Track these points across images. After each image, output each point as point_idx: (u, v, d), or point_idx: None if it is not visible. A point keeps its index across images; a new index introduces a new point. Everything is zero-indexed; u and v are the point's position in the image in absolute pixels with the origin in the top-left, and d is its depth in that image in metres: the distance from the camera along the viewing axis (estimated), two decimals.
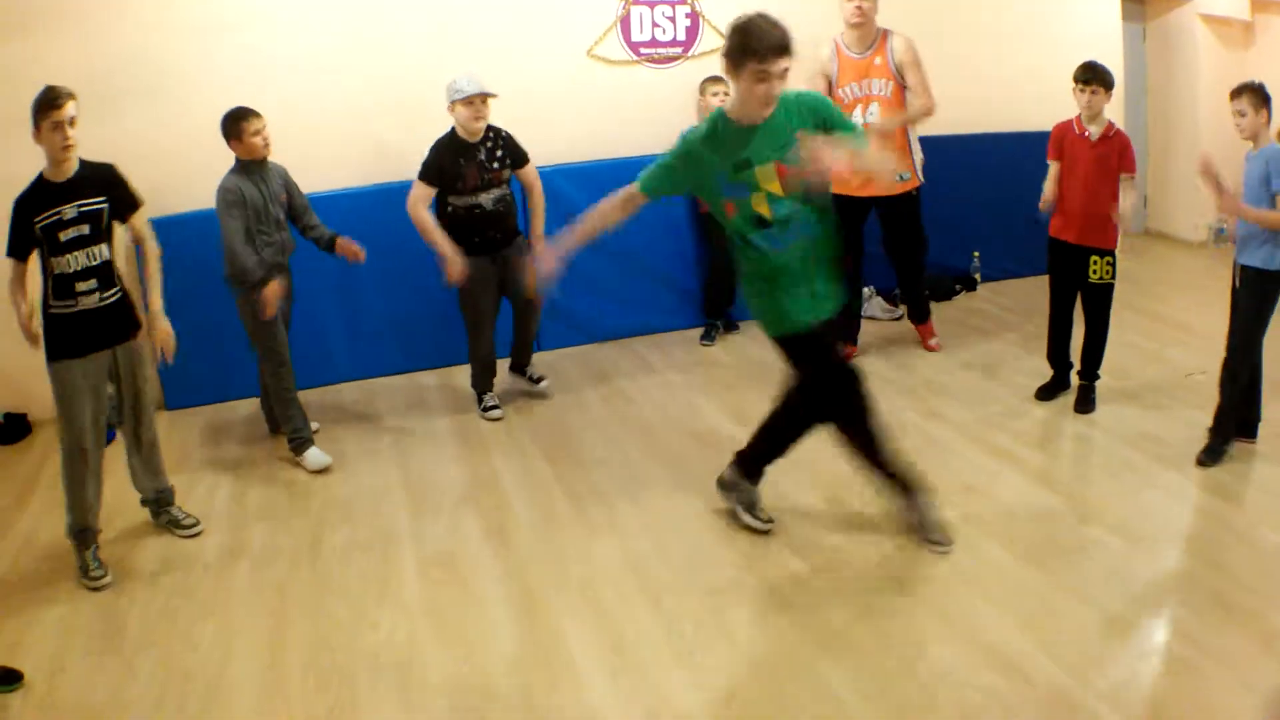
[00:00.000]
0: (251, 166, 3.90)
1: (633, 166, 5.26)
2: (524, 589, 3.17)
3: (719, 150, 2.97)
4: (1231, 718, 2.41)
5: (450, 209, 4.33)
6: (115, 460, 3.67)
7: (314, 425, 4.40)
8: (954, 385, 4.67)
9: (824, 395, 3.19)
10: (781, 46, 2.77)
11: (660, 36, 5.59)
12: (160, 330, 3.35)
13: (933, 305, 5.94)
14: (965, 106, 6.11)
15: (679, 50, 5.64)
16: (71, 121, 3.12)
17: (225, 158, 3.93)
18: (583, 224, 3.21)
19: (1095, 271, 4.18)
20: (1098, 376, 4.34)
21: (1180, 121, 7.11)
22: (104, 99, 4.19)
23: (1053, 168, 4.20)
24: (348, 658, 2.85)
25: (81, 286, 3.23)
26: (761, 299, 3.13)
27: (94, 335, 3.29)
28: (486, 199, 4.34)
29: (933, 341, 5.16)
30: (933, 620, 2.87)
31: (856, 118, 4.71)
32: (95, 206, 3.24)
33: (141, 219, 3.43)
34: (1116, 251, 4.20)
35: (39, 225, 3.16)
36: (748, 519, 3.42)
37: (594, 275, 5.44)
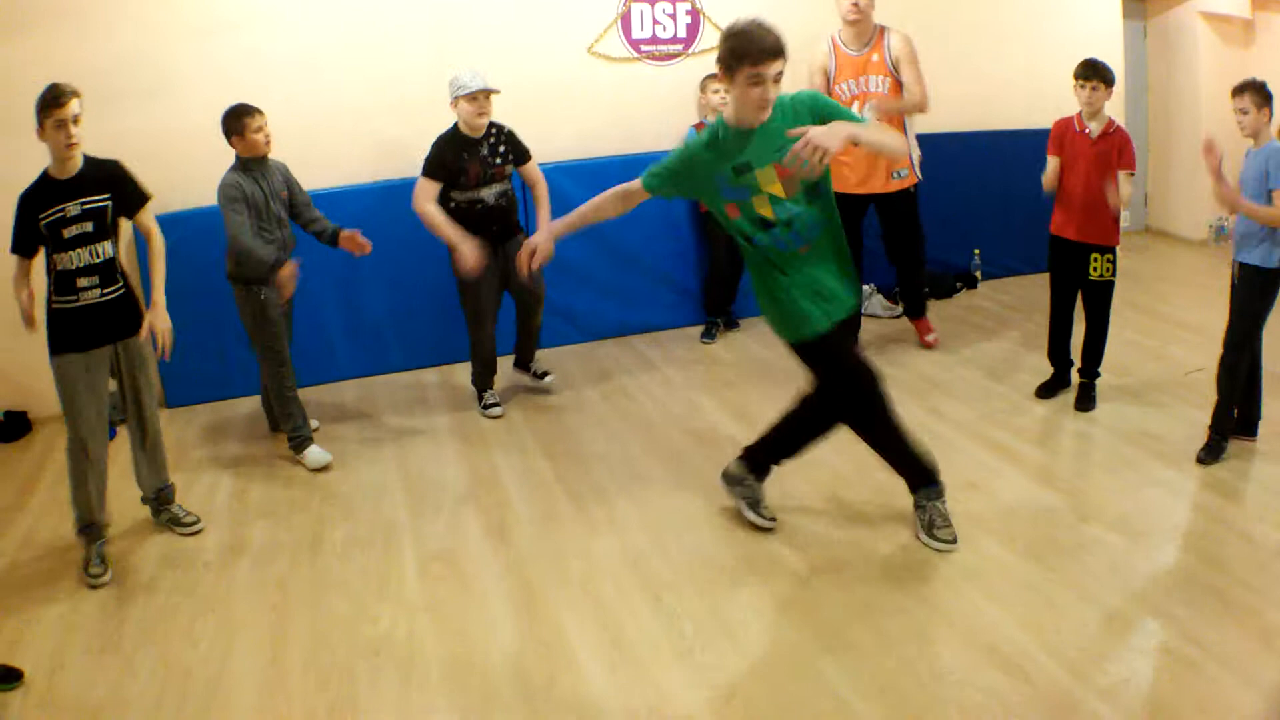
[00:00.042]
0: (252, 164, 3.90)
1: (633, 164, 5.30)
2: (524, 586, 3.17)
3: (720, 155, 2.98)
4: (1232, 715, 2.41)
5: (453, 204, 4.33)
6: (116, 459, 3.67)
7: (314, 423, 4.40)
8: (954, 382, 4.67)
9: (843, 398, 3.19)
10: (774, 50, 2.80)
11: (661, 34, 5.59)
12: (160, 325, 3.35)
13: (934, 303, 5.96)
14: (966, 104, 6.12)
15: (679, 48, 5.64)
16: (75, 120, 3.12)
17: (226, 156, 3.93)
18: (580, 211, 3.23)
19: (1096, 269, 4.18)
20: (1098, 374, 4.34)
21: (1181, 119, 7.11)
22: (104, 98, 4.19)
23: (1052, 162, 4.19)
24: (348, 654, 2.85)
25: (83, 283, 3.25)
26: (773, 304, 3.12)
27: (95, 330, 3.29)
28: (488, 194, 4.34)
29: (930, 337, 5.16)
30: (933, 618, 2.87)
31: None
32: (99, 204, 3.25)
33: (149, 214, 3.43)
34: (1117, 249, 4.20)
35: (43, 222, 3.17)
36: (751, 516, 3.43)
37: (594, 273, 5.45)
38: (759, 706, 2.55)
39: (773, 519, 3.42)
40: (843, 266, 3.13)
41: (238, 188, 3.82)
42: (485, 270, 4.39)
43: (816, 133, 2.70)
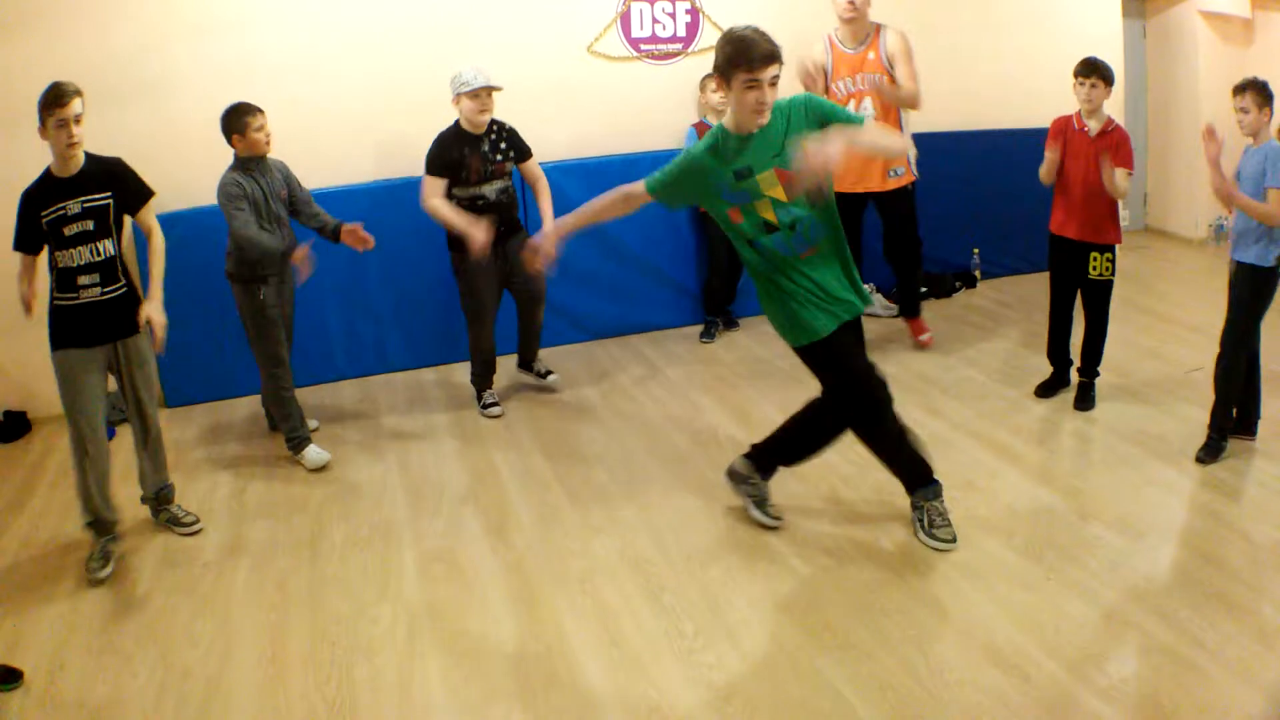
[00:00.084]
0: (251, 163, 3.89)
1: (633, 163, 5.35)
2: (524, 585, 3.17)
3: (721, 160, 2.99)
4: (1231, 715, 2.41)
5: (454, 201, 4.33)
6: (117, 459, 3.67)
7: (313, 424, 4.41)
8: (954, 382, 4.68)
9: (847, 402, 3.19)
10: (768, 56, 2.81)
11: (660, 33, 5.59)
12: (156, 318, 3.33)
13: (933, 302, 5.97)
14: (966, 103, 6.12)
15: (679, 46, 5.64)
16: (77, 119, 3.13)
17: (225, 155, 3.92)
18: (583, 211, 3.23)
19: (1095, 268, 4.18)
20: (1097, 373, 4.34)
21: (1180, 118, 7.11)
22: (104, 97, 4.19)
23: (1050, 155, 4.17)
24: (347, 654, 2.85)
25: (84, 280, 3.26)
26: (777, 308, 3.12)
27: (96, 328, 3.30)
28: (489, 190, 4.35)
29: (924, 337, 5.16)
30: (932, 618, 2.87)
31: None
32: (100, 202, 3.25)
33: (150, 212, 3.43)
34: (1117, 248, 4.20)
35: (44, 220, 3.19)
36: (758, 514, 3.43)
37: (594, 272, 5.45)
38: (759, 706, 2.55)
39: (779, 517, 3.42)
40: (847, 269, 3.13)
41: (238, 185, 3.81)
42: (485, 269, 4.40)
43: (814, 149, 2.68)
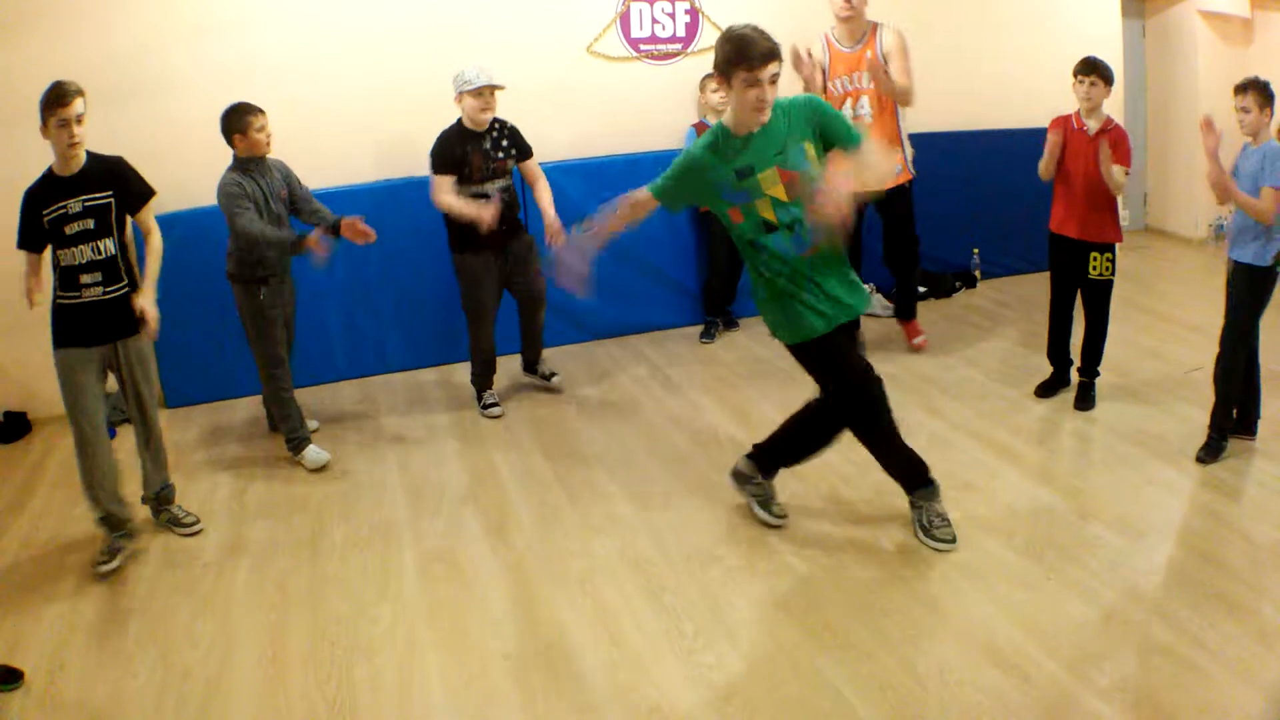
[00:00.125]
0: (250, 164, 3.89)
1: (633, 163, 5.35)
2: (524, 586, 3.17)
3: (721, 159, 3.00)
4: (1231, 715, 2.41)
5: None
6: (118, 459, 3.67)
7: (313, 424, 4.41)
8: (954, 382, 4.68)
9: (843, 401, 3.19)
10: (768, 54, 2.82)
11: (660, 33, 5.59)
12: (149, 309, 3.33)
13: (933, 302, 5.97)
14: (965, 103, 6.13)
15: (678, 47, 5.64)
16: (79, 119, 3.15)
17: (225, 156, 3.91)
18: (599, 226, 3.20)
19: (1095, 268, 4.18)
20: (1097, 373, 4.34)
21: (1180, 118, 7.11)
22: (104, 96, 4.18)
23: (1049, 150, 4.15)
24: (347, 654, 2.85)
25: (85, 279, 3.27)
26: (773, 307, 3.13)
27: (98, 327, 3.31)
28: (491, 189, 4.35)
29: (918, 340, 5.14)
30: (932, 618, 2.87)
31: (846, 111, 4.73)
32: (101, 201, 3.26)
33: (150, 211, 3.43)
34: (1117, 248, 4.20)
35: (46, 218, 3.20)
36: (762, 514, 3.43)
37: (595, 272, 5.43)
38: (759, 706, 2.55)
39: (783, 516, 3.42)
40: (845, 271, 3.14)
41: (238, 185, 3.81)
42: (486, 270, 4.40)
43: (827, 200, 2.75)
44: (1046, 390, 4.44)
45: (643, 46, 5.57)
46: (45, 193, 3.21)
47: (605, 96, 5.49)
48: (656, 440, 4.22)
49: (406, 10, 5.08)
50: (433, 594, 3.15)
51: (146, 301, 3.34)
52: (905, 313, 5.21)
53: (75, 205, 3.21)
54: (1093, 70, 4.01)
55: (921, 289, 6.01)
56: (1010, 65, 6.21)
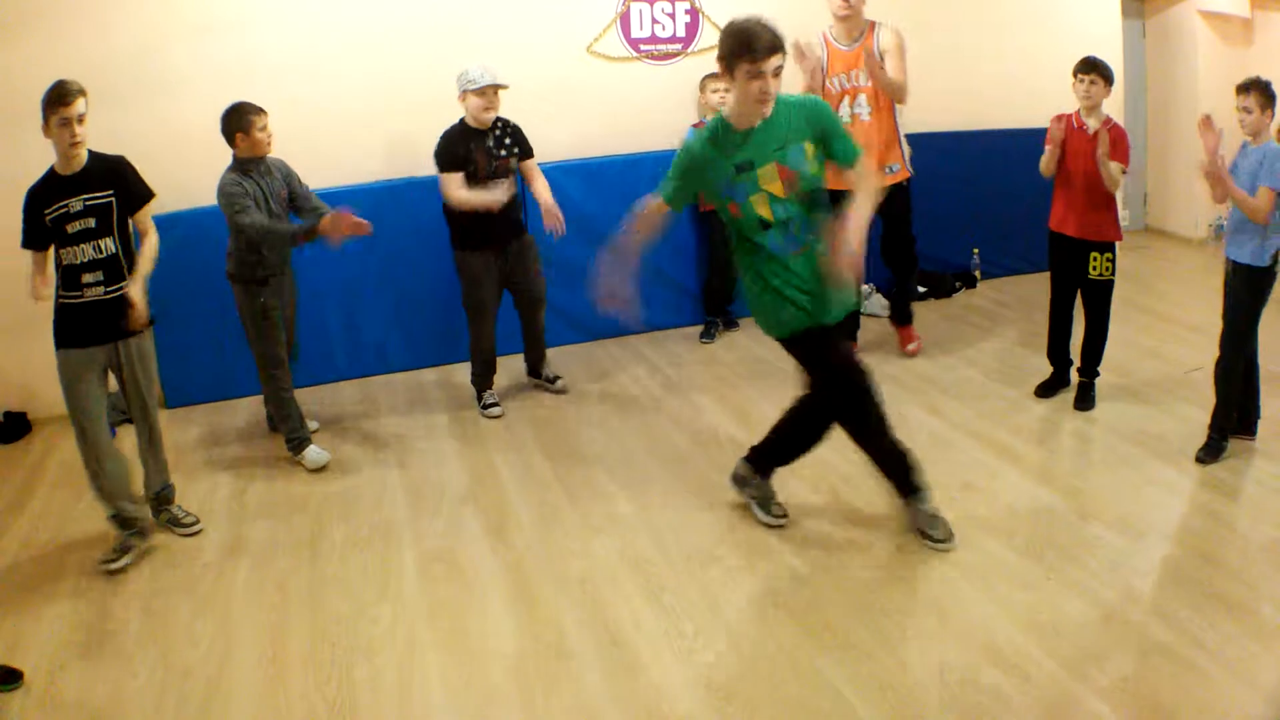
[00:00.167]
0: (250, 164, 3.88)
1: (633, 163, 5.35)
2: (524, 585, 3.17)
3: (721, 152, 3.00)
4: (1231, 715, 2.41)
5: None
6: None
7: (313, 424, 4.41)
8: (954, 382, 4.68)
9: (832, 394, 3.19)
10: (772, 45, 2.83)
11: (660, 33, 5.59)
12: (134, 297, 3.30)
13: (933, 303, 5.97)
14: (966, 103, 6.12)
15: (679, 47, 5.64)
16: (80, 118, 3.15)
17: (225, 155, 3.91)
18: (627, 241, 3.21)
19: (1095, 268, 4.18)
20: (1097, 373, 4.34)
21: (1180, 119, 7.10)
22: (103, 96, 4.17)
23: (1050, 149, 4.14)
24: (347, 654, 2.85)
25: (87, 278, 3.28)
26: (761, 301, 3.14)
27: (100, 326, 3.31)
28: (494, 188, 4.35)
29: (911, 346, 5.10)
30: (932, 618, 2.87)
31: (844, 110, 4.73)
32: (102, 200, 3.26)
33: (148, 213, 3.43)
34: (1117, 247, 4.20)
35: (48, 217, 3.21)
36: (761, 515, 3.44)
37: (594, 272, 5.44)
38: (759, 706, 2.55)
39: (783, 516, 3.42)
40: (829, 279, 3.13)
41: (238, 185, 3.80)
42: (486, 268, 4.41)
43: (844, 259, 2.91)
44: (1046, 390, 4.44)
45: (643, 47, 5.57)
46: (47, 192, 3.22)
47: (605, 97, 5.49)
48: (656, 440, 4.22)
49: (406, 10, 5.08)
50: (433, 594, 3.15)
51: (134, 290, 3.32)
52: (901, 318, 5.19)
53: (76, 204, 3.22)
54: (1092, 69, 4.02)
55: (921, 289, 6.01)
56: (1010, 65, 6.21)
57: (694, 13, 5.62)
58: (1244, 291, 3.60)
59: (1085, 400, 4.28)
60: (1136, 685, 2.52)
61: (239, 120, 3.82)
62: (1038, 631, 2.75)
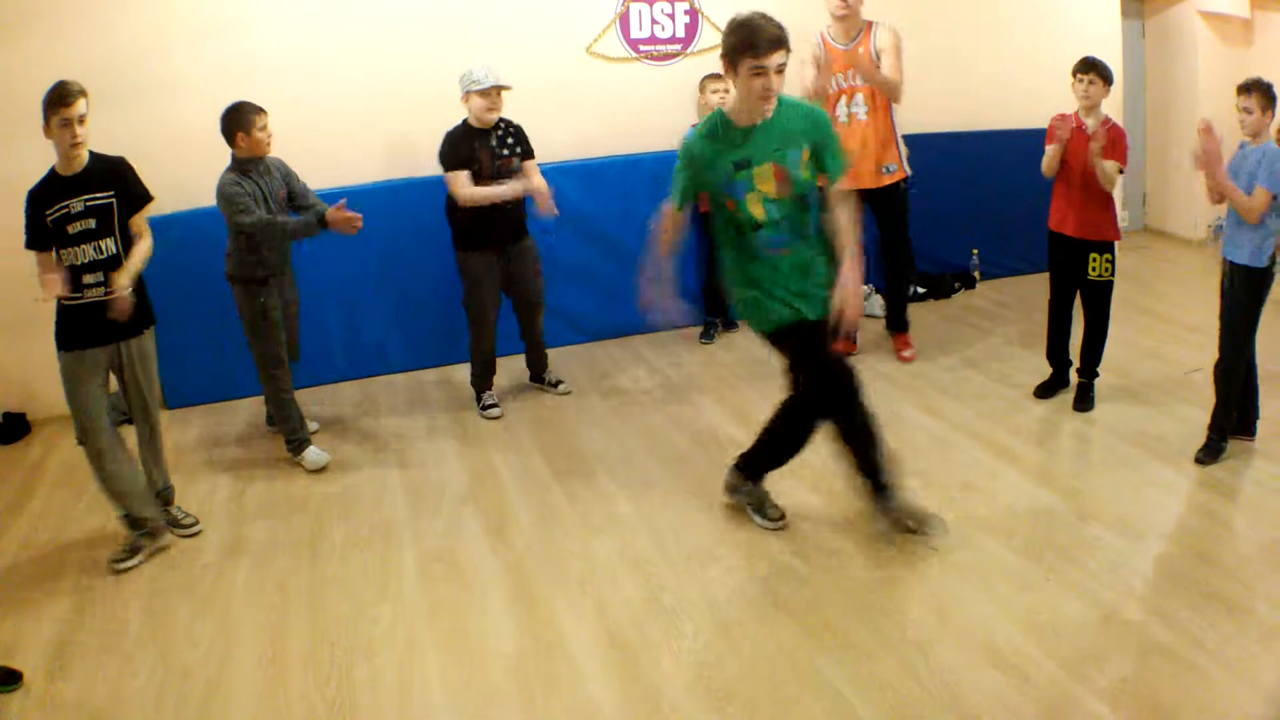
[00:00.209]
0: (249, 164, 3.88)
1: (632, 164, 5.35)
2: (523, 586, 3.17)
3: (720, 149, 3.02)
4: (1231, 715, 2.42)
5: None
6: None
7: (313, 425, 4.40)
8: (953, 382, 4.68)
9: (822, 390, 3.19)
10: (775, 41, 2.83)
11: (659, 34, 5.59)
12: (123, 289, 3.27)
13: (932, 303, 5.97)
14: (965, 103, 6.13)
15: (678, 47, 5.64)
16: (81, 119, 3.15)
17: (225, 155, 3.90)
18: (658, 253, 3.25)
19: (1095, 269, 4.18)
20: (1097, 374, 4.34)
21: (1179, 119, 7.11)
22: (103, 97, 4.16)
23: (1050, 149, 4.14)
24: (347, 654, 2.85)
25: (88, 279, 3.27)
26: (747, 297, 3.17)
27: (101, 327, 3.31)
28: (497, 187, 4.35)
29: (907, 353, 5.07)
30: (932, 619, 2.87)
31: (840, 109, 4.74)
32: (102, 201, 3.26)
33: (144, 216, 3.42)
34: (1116, 247, 4.20)
35: (49, 218, 3.20)
36: (758, 519, 3.44)
37: (595, 274, 5.45)
38: (759, 706, 2.55)
39: (781, 517, 3.42)
40: (815, 279, 3.15)
41: (238, 185, 3.80)
42: (488, 269, 4.42)
43: (849, 309, 3.02)
44: (1046, 391, 4.44)
45: (642, 47, 5.57)
46: (47, 193, 3.21)
47: (605, 97, 5.49)
48: (656, 440, 4.22)
49: (406, 10, 5.08)
50: (432, 594, 3.15)
51: (121, 278, 3.28)
52: (896, 325, 5.17)
53: (77, 205, 3.21)
54: (1091, 69, 4.02)
55: (921, 290, 6.02)
56: (1009, 65, 6.21)
57: (693, 13, 5.62)
58: (1242, 292, 3.60)
59: (1084, 401, 4.28)
60: (1136, 686, 2.53)
61: (240, 119, 3.82)
62: (1037, 632, 2.75)
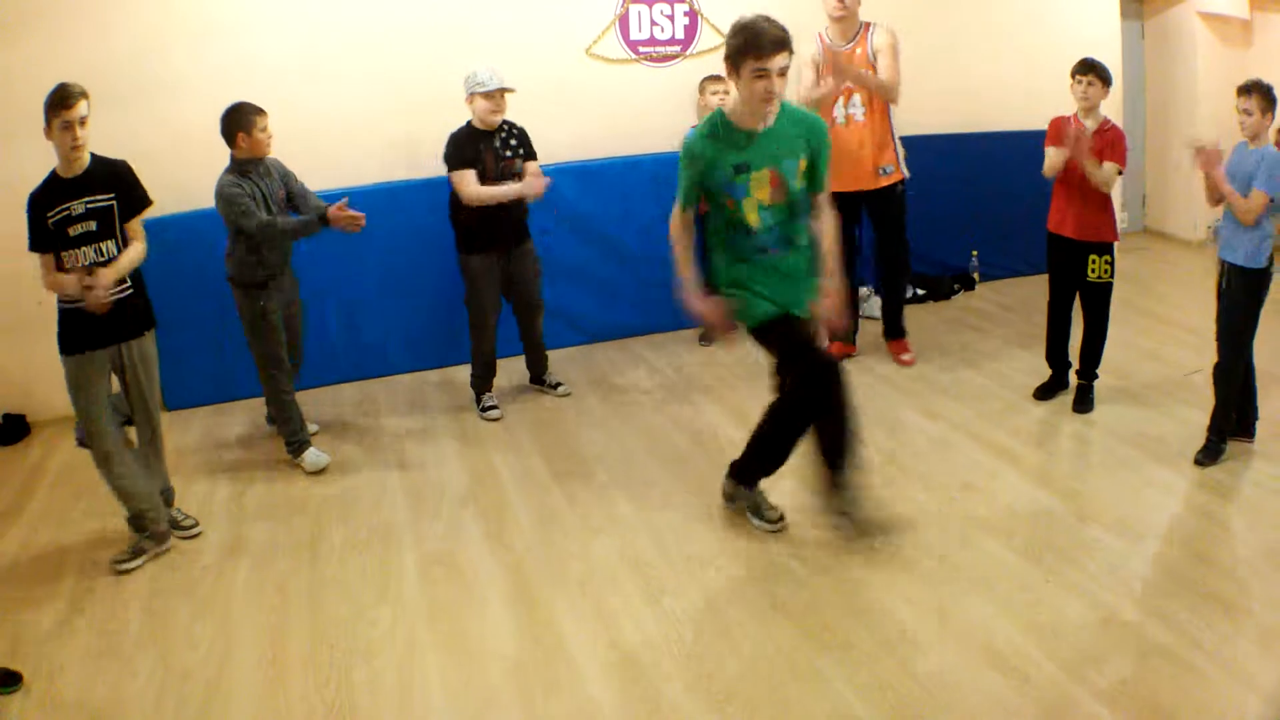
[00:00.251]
0: (249, 166, 3.88)
1: (632, 165, 5.35)
2: (523, 587, 3.17)
3: (721, 150, 3.03)
4: (1230, 715, 2.42)
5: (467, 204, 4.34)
6: None
7: (313, 427, 4.40)
8: (953, 384, 4.68)
9: (807, 385, 3.18)
10: (778, 43, 2.84)
11: (659, 35, 5.59)
12: (103, 283, 3.22)
13: (932, 305, 5.97)
14: (964, 104, 6.13)
15: (677, 49, 5.64)
16: (82, 122, 3.15)
17: (225, 157, 3.90)
18: (681, 269, 3.29)
19: (1094, 270, 4.18)
20: (1096, 375, 4.34)
21: (1179, 120, 7.11)
22: (102, 99, 4.16)
23: (1050, 151, 4.12)
24: (347, 656, 2.85)
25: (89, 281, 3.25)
26: (732, 295, 3.21)
27: (103, 329, 3.31)
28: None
29: (905, 357, 5.05)
30: (932, 619, 2.87)
31: (838, 110, 4.74)
32: (103, 203, 3.26)
33: (140, 220, 3.42)
34: (1115, 248, 4.20)
35: (50, 220, 3.20)
36: (757, 523, 3.43)
37: (593, 275, 5.45)
38: (759, 707, 2.55)
39: (779, 519, 3.42)
40: (805, 284, 3.18)
41: (238, 186, 3.80)
42: (489, 271, 4.42)
43: (831, 314, 3.18)
44: (1045, 392, 4.44)
45: (642, 49, 5.58)
46: (48, 195, 3.21)
47: (604, 98, 5.49)
48: (656, 441, 4.22)
49: (406, 11, 5.08)
50: (432, 596, 3.15)
51: (106, 271, 3.23)
52: (893, 332, 5.14)
53: (78, 207, 3.21)
54: (1090, 70, 4.02)
55: (920, 291, 6.02)
56: (1009, 67, 6.22)
57: (693, 15, 5.62)
58: (1240, 293, 3.61)
59: (1084, 402, 4.28)
60: (1135, 687, 2.53)
61: (240, 120, 3.82)
62: (1037, 633, 2.76)
